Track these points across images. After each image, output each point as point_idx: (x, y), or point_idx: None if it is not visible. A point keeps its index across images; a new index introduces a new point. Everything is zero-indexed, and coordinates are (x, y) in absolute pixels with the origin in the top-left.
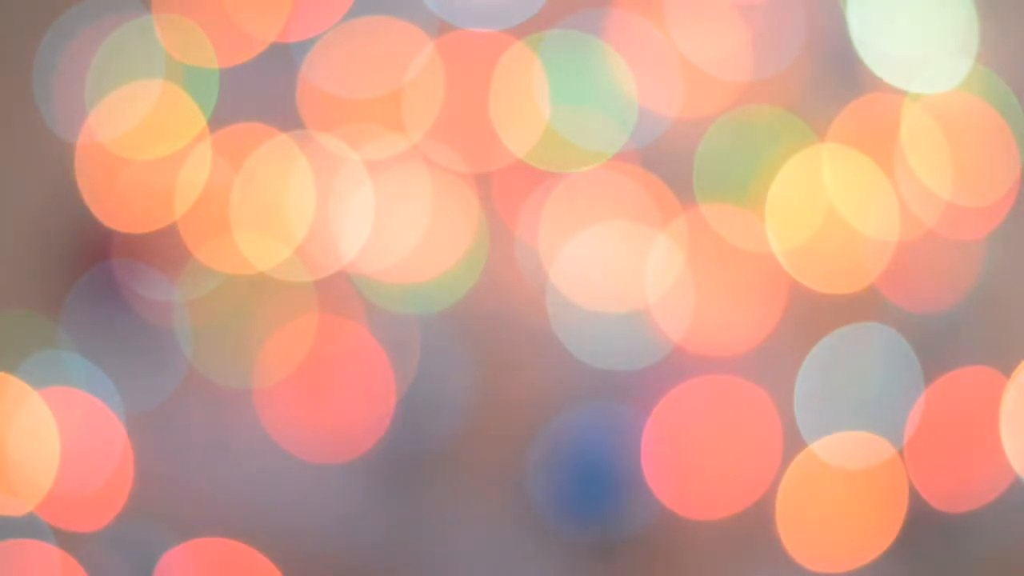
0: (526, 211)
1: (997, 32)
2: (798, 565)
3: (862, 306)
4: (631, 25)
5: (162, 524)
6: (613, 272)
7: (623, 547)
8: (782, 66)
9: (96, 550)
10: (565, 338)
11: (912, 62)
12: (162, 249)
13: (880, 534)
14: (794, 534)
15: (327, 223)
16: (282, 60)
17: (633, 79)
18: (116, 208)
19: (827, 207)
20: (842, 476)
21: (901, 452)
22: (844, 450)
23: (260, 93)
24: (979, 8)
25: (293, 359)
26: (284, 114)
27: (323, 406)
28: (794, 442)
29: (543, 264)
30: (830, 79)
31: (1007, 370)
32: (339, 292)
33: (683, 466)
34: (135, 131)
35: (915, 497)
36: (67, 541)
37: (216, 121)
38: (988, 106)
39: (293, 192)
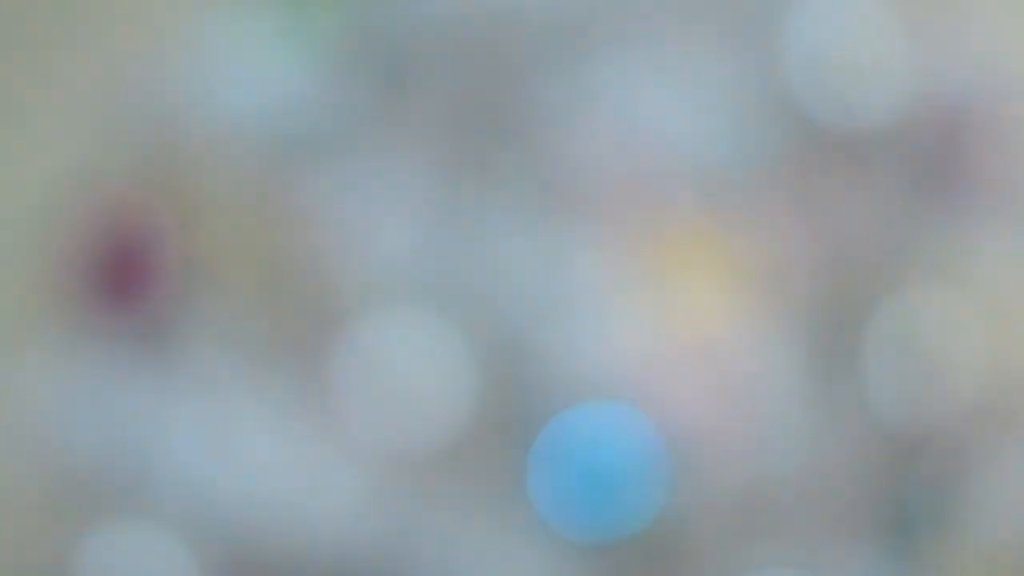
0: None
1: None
2: (799, 565)
3: (862, 305)
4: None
5: (162, 524)
6: (615, 272)
7: (623, 547)
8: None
9: (96, 550)
10: (566, 336)
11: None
12: (162, 248)
13: (878, 532)
14: (793, 532)
15: (327, 223)
16: None
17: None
18: (116, 208)
19: None
20: (842, 476)
21: (899, 450)
22: (842, 449)
23: None
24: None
25: (297, 359)
26: None
27: (323, 406)
28: (793, 441)
29: (543, 263)
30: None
31: (1007, 370)
32: (340, 291)
33: (683, 466)
34: None
35: (914, 496)
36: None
37: None
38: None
39: None
